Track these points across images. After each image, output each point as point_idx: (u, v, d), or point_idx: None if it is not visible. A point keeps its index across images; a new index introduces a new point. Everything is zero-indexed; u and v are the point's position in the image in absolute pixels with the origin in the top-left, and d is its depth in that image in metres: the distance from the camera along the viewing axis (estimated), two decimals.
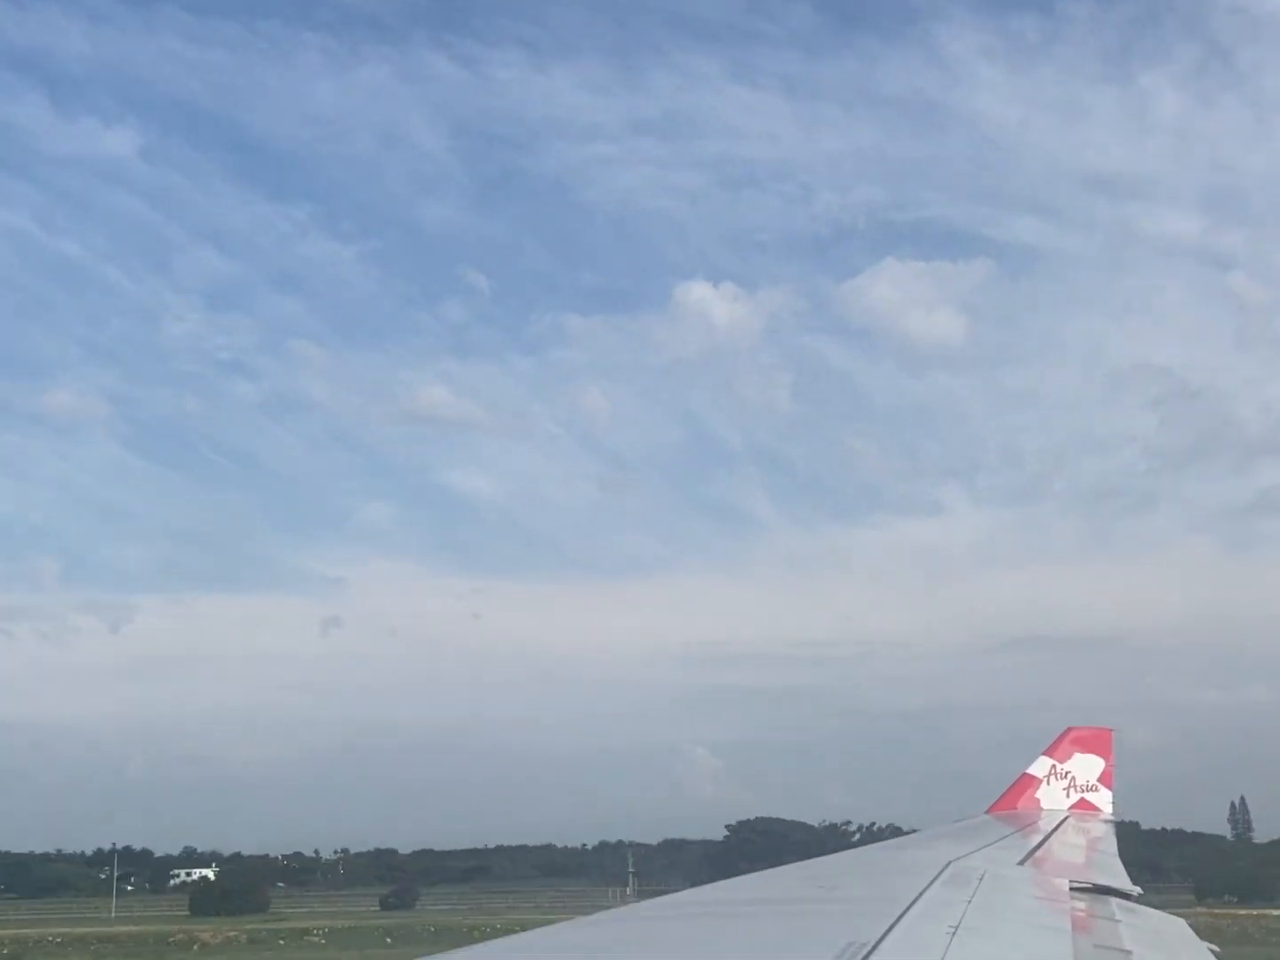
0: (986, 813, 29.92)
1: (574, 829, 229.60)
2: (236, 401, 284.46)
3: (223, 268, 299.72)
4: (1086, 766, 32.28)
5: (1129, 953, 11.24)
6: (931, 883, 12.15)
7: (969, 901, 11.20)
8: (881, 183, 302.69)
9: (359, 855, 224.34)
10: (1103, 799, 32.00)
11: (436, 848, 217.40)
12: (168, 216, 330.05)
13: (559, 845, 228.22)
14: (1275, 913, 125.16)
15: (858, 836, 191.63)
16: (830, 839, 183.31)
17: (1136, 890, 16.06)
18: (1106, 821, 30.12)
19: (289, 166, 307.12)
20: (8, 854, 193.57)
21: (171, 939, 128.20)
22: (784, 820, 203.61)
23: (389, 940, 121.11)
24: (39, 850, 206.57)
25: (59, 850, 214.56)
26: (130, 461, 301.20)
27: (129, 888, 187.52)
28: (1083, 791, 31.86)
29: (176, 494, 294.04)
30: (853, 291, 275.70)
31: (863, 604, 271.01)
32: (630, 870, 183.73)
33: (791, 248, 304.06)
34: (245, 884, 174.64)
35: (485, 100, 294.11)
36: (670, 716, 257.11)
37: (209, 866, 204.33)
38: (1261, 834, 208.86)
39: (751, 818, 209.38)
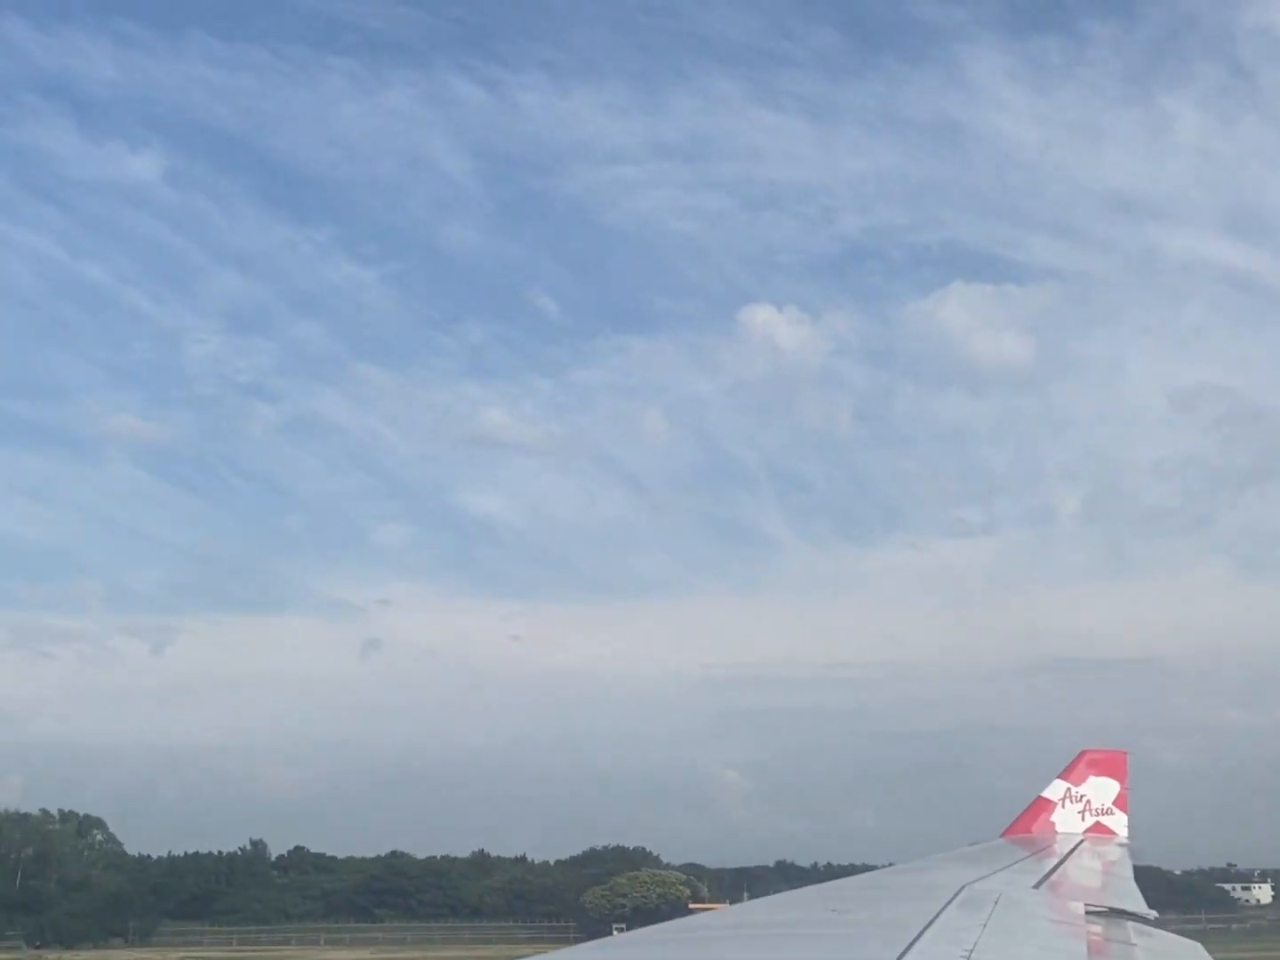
0: (1001, 836, 29.77)
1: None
2: (257, 423, 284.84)
3: (245, 290, 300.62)
4: (1101, 789, 32.13)
5: None
6: (945, 906, 12.07)
7: (984, 925, 11.12)
8: (903, 204, 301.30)
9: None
10: (1118, 822, 31.83)
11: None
12: (191, 240, 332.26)
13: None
14: None
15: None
16: None
17: (1152, 914, 15.97)
18: (1122, 845, 29.95)
19: (312, 190, 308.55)
20: None
21: None
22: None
23: None
24: None
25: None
26: (151, 483, 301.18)
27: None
28: (1098, 815, 31.70)
29: (197, 516, 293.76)
30: (909, 314, 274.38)
31: (906, 626, 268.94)
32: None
33: (814, 269, 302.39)
34: None
35: (508, 124, 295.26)
36: (701, 738, 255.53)
37: None
38: None
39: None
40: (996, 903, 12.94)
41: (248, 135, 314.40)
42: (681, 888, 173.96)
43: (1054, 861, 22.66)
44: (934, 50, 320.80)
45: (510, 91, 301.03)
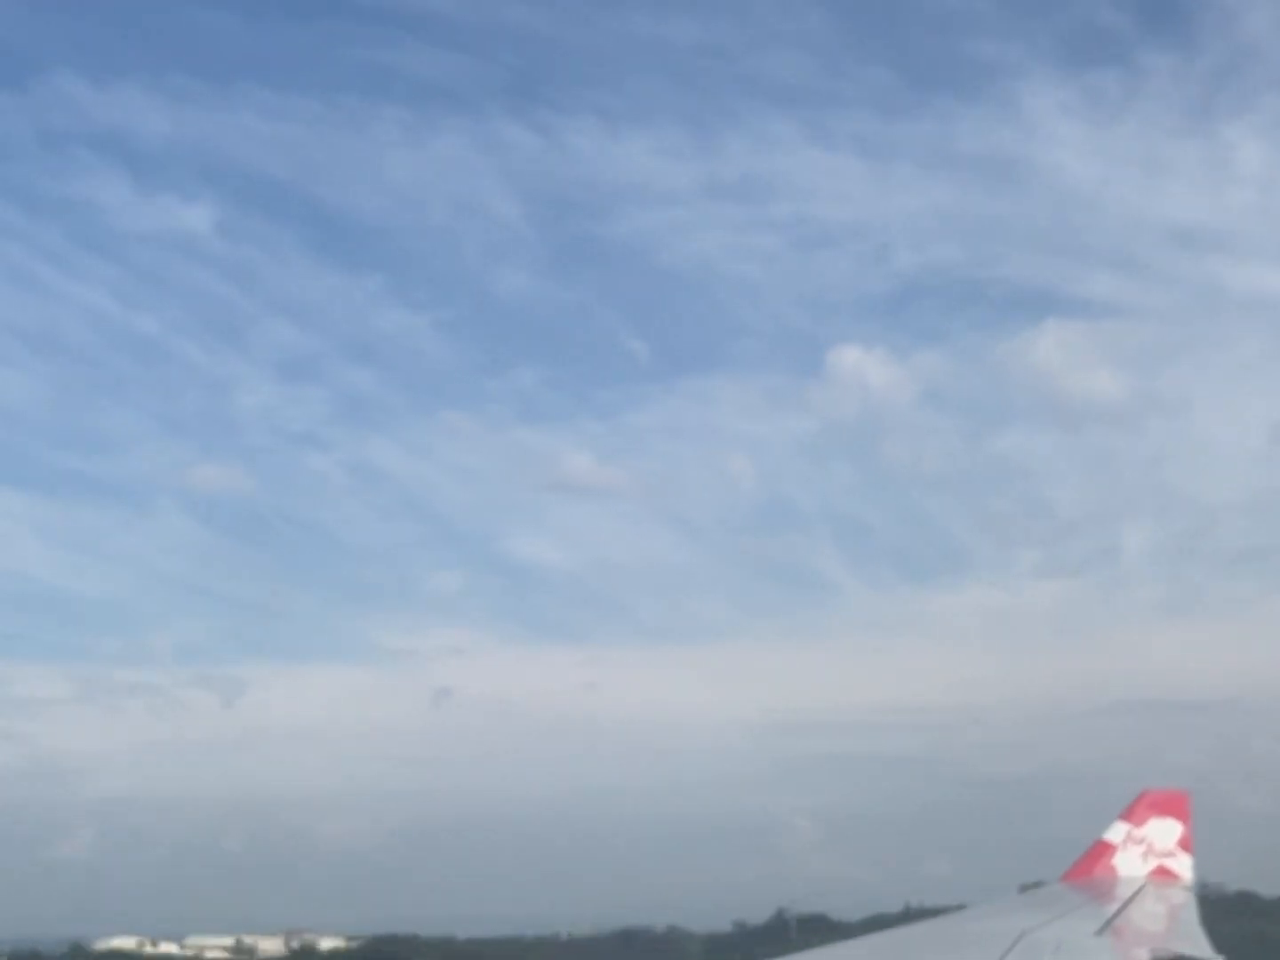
0: (1061, 880, 29.19)
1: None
2: (310, 472, 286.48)
3: (296, 339, 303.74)
4: (1164, 831, 31.42)
5: None
6: (1004, 956, 11.72)
7: None
8: (961, 240, 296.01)
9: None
10: (1182, 864, 31.09)
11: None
12: (242, 290, 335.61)
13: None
14: None
15: None
16: None
17: (1220, 958, 15.50)
18: (1187, 888, 29.27)
19: (363, 238, 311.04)
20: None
21: None
22: None
23: None
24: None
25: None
26: (207, 534, 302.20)
27: None
28: (1161, 857, 30.99)
29: (254, 566, 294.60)
30: (978, 351, 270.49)
31: (982, 669, 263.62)
32: None
33: (873, 307, 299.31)
34: None
35: (560, 168, 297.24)
36: (767, 784, 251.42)
37: None
38: None
39: None
40: (1057, 951, 12.57)
41: (299, 185, 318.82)
42: None
43: (1116, 906, 22.15)
44: (989, 86, 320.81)
45: (562, 136, 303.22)
